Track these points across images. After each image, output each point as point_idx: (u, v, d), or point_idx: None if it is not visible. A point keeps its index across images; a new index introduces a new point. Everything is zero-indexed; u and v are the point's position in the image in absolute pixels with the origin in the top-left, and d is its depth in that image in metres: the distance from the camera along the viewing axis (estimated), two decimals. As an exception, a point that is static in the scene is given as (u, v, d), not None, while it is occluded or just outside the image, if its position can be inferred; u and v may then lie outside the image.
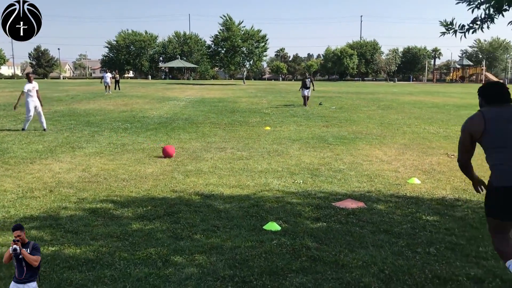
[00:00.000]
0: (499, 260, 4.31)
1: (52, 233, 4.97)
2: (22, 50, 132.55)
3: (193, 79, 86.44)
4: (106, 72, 38.41)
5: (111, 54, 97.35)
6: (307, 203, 6.28)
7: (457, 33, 5.35)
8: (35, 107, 13.59)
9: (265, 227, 5.23)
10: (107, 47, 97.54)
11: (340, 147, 10.99)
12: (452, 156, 9.78)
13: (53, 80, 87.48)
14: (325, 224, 5.41)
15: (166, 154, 9.53)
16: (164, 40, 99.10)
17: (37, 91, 13.83)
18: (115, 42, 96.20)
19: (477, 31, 5.32)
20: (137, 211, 5.82)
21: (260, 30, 61.48)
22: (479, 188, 3.95)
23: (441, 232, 5.18)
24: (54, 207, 5.96)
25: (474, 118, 3.73)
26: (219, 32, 60.83)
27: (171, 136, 12.52)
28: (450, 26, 5.35)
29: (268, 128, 14.54)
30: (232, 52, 59.70)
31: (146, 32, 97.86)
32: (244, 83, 62.26)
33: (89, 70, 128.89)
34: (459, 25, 5.33)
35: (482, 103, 3.84)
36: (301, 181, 7.58)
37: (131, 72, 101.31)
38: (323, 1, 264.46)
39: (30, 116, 13.56)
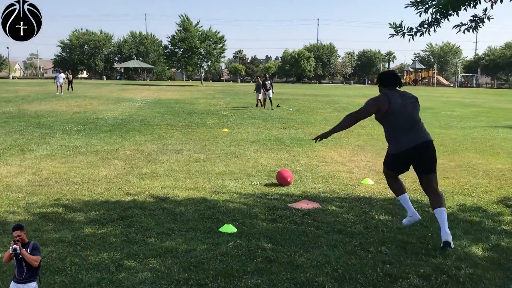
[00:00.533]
0: (447, 257, 4.49)
1: (-2, 240, 4.76)
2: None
3: (149, 80, 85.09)
4: (60, 73, 37.21)
5: (64, 54, 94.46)
6: (264, 205, 6.32)
7: (405, 35, 5.54)
8: None
9: (221, 229, 5.22)
10: (60, 46, 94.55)
11: (297, 148, 11.13)
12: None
13: (1, 79, 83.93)
14: (280, 225, 5.46)
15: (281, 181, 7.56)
16: (120, 40, 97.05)
17: None
18: (68, 41, 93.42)
19: (424, 34, 5.53)
20: (89, 215, 5.67)
21: (218, 31, 61.37)
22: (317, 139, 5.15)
23: (393, 231, 5.33)
24: (1, 212, 5.72)
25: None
26: (176, 33, 60.22)
27: (126, 138, 12.28)
28: (399, 28, 5.53)
29: (226, 130, 14.52)
30: (189, 53, 59.22)
31: (101, 32, 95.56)
32: (202, 84, 61.96)
33: (41, 70, 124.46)
34: (408, 27, 5.53)
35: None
36: (258, 182, 7.61)
37: (85, 72, 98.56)
38: (282, 4, 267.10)
39: None
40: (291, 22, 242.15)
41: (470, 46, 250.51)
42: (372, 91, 54.43)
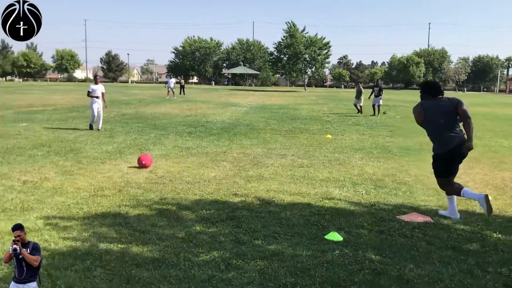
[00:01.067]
0: None
1: (120, 231, 5.20)
2: (94, 55, 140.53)
3: (254, 86, 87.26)
4: (170, 78, 39.79)
5: (177, 60, 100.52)
6: (370, 215, 6.16)
7: None
8: (98, 109, 14.63)
9: (326, 236, 5.19)
10: (173, 53, 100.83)
11: (405, 158, 10.69)
12: (527, 172, 9.23)
13: (121, 83, 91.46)
14: (389, 237, 5.28)
15: (142, 165, 8.75)
16: (228, 47, 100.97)
17: (103, 93, 14.89)
18: (181, 48, 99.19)
19: None
20: (200, 214, 5.96)
21: (324, 37, 61.22)
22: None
23: (514, 252, 4.89)
24: (123, 206, 6.23)
25: None
26: (282, 39, 61.15)
27: (233, 141, 12.71)
28: None
29: (329, 136, 14.41)
30: (294, 59, 59.77)
31: (211, 39, 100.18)
32: (305, 90, 62.12)
33: (156, 75, 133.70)
34: None
35: None
36: (364, 191, 7.44)
37: (195, 77, 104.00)
38: (389, 9, 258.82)
39: (94, 116, 14.65)
40: (399, 27, 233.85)
41: None
42: (485, 99, 50.52)
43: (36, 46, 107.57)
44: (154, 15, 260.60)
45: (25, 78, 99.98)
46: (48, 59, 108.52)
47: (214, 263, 4.36)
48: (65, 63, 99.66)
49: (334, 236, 5.18)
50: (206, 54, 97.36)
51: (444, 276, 4.18)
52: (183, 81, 43.87)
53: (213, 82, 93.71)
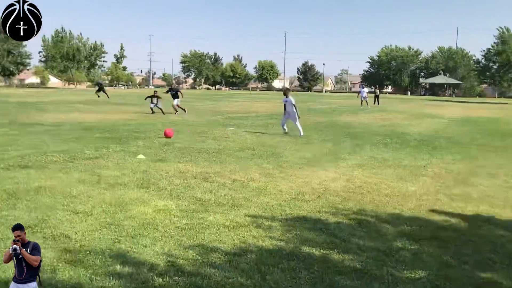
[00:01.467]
0: None
1: (321, 236, 5.32)
2: (292, 65, 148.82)
3: (455, 96, 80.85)
4: (363, 87, 39.32)
5: (371, 69, 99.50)
6: None
7: None
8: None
9: (554, 273, 4.46)
10: (368, 62, 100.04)
11: None
12: None
13: (316, 93, 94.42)
14: None
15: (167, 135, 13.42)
16: (427, 55, 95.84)
17: (293, 105, 15.70)
18: (377, 58, 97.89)
19: None
20: (400, 229, 5.73)
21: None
22: None
23: None
24: (323, 212, 6.37)
25: None
26: (492, 46, 55.41)
27: (433, 155, 11.93)
28: None
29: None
30: (506, 67, 53.52)
31: (409, 48, 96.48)
32: (518, 102, 55.02)
33: (350, 84, 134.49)
34: None
35: None
36: None
37: (390, 87, 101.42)
38: None
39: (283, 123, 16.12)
40: None
41: None
42: None
43: (241, 57, 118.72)
44: (349, 24, 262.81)
45: (231, 87, 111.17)
46: (251, 70, 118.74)
47: (419, 282, 4.13)
48: (266, 73, 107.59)
49: None
50: (403, 63, 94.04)
51: None
52: (377, 90, 43.15)
53: (409, 92, 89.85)
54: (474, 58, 77.96)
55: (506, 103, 53.08)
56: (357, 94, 41.07)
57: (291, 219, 5.98)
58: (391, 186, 8.18)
